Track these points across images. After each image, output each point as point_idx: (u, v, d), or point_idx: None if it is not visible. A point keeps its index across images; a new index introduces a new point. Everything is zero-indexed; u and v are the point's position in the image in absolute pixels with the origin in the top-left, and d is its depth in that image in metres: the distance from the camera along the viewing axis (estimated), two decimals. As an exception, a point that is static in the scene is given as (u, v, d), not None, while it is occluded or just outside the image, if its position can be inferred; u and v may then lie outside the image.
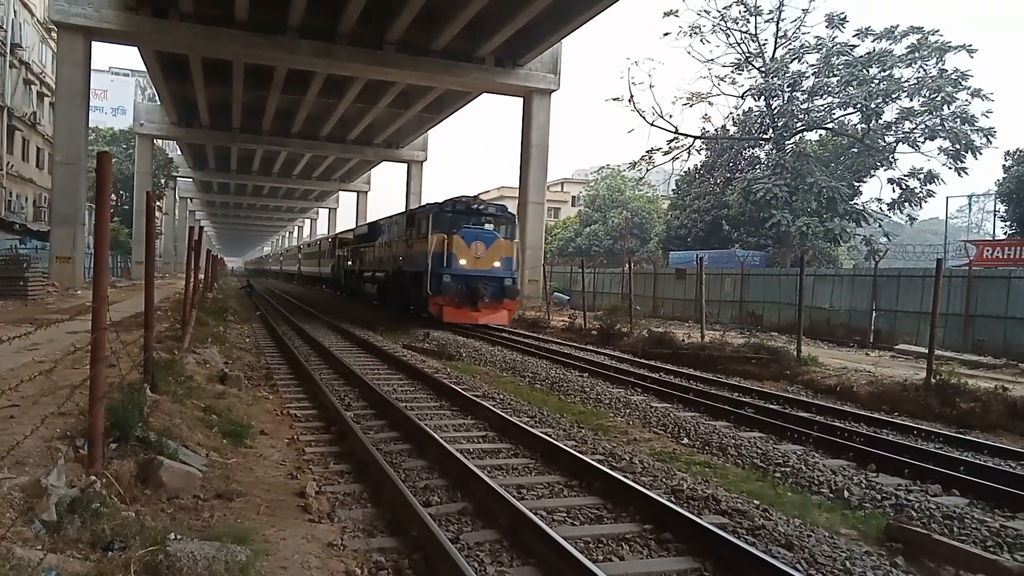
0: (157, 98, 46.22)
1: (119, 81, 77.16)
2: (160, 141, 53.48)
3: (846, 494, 6.07)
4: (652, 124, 37.47)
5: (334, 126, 42.96)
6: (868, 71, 34.33)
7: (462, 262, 19.57)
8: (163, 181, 59.68)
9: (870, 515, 5.61)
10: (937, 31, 33.58)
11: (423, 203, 21.22)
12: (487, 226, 20.58)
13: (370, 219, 42.26)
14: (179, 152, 62.55)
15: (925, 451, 7.64)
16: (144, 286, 7.30)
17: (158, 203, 56.43)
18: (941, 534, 5.08)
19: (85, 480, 4.06)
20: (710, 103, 43.52)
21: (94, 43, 27.06)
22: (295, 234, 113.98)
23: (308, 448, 6.77)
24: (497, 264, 20.08)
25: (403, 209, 43.75)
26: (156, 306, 8.81)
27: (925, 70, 33.71)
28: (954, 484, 6.47)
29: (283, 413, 8.30)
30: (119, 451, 4.83)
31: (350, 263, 32.92)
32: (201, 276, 16.45)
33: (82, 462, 4.43)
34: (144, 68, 36.85)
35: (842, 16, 35.42)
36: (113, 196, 59.52)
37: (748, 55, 37.75)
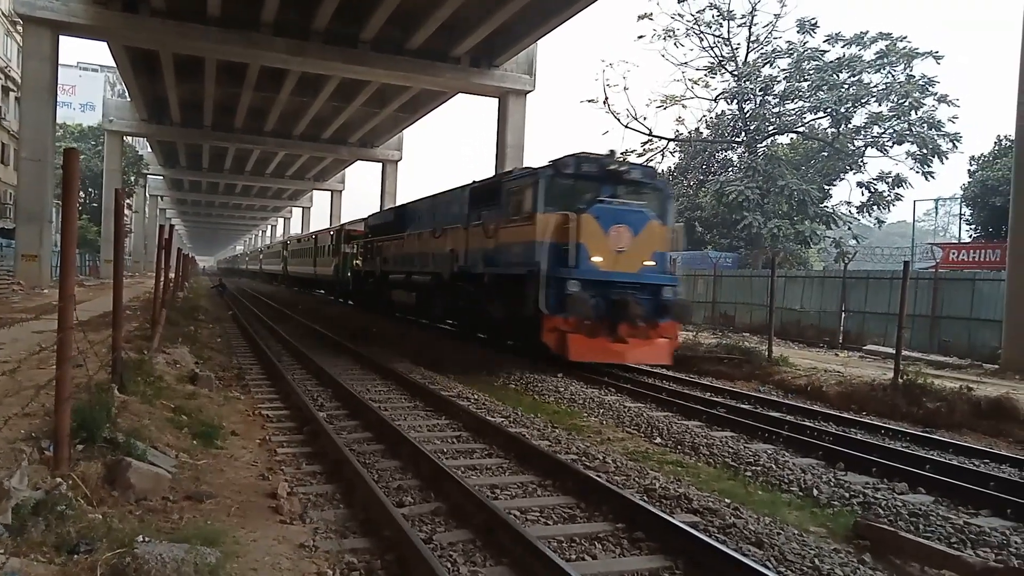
0: (127, 94, 45.49)
1: (88, 76, 75.90)
2: (130, 138, 52.64)
3: (815, 492, 6.16)
4: (627, 126, 37.76)
5: (308, 124, 42.59)
6: (838, 76, 34.86)
7: (596, 260, 12.30)
8: (133, 179, 58.80)
9: (838, 513, 5.70)
10: (905, 37, 34.26)
11: (521, 167, 14.52)
12: (626, 199, 13.07)
13: (362, 213, 37.69)
14: (149, 149, 61.63)
15: (892, 450, 7.77)
16: (113, 285, 7.19)
17: (127, 201, 55.58)
18: (907, 531, 5.17)
19: (50, 482, 3.98)
20: (683, 106, 43.87)
21: (62, 37, 26.53)
22: (268, 233, 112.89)
23: (280, 449, 6.72)
24: (650, 263, 12.74)
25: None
26: (125, 305, 8.68)
27: (893, 76, 34.35)
28: (920, 482, 6.59)
29: (255, 414, 8.22)
30: (86, 452, 4.75)
31: (361, 262, 26.07)
32: (172, 275, 16.22)
33: (47, 464, 4.35)
34: (114, 63, 36.26)
35: (813, 21, 35.96)
36: (81, 193, 58.42)
37: (721, 59, 38.15)
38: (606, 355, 12.24)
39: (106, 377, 6.65)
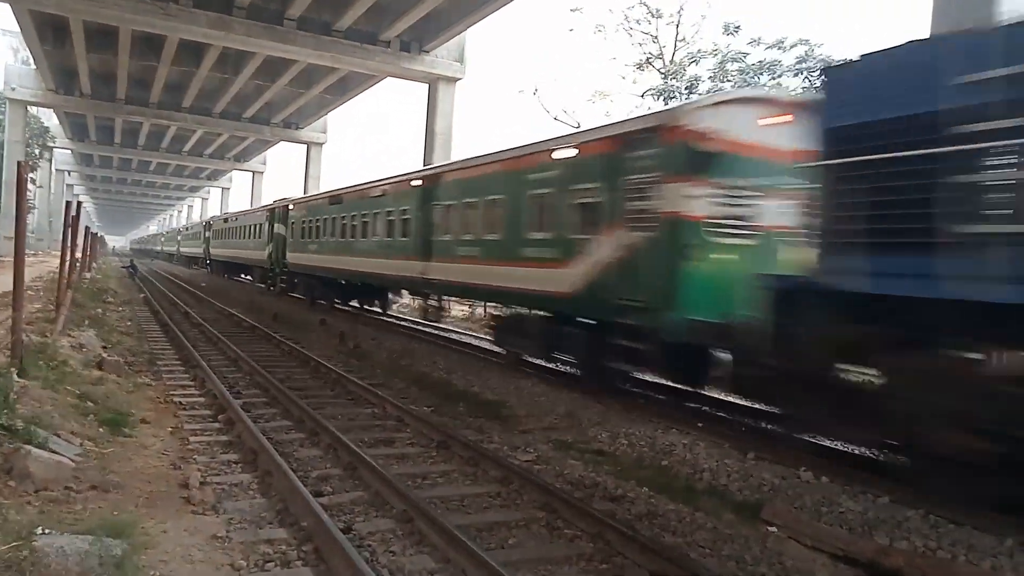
0: (32, 61, 42.86)
1: (-12, 40, 71.14)
2: (35, 108, 49.71)
3: (725, 480, 6.38)
4: (555, 119, 37.92)
5: (229, 102, 41.09)
6: (760, 78, 35.98)
7: None
8: (37, 151, 55.56)
9: (747, 500, 5.91)
10: (822, 45, 35.66)
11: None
12: None
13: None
14: (56, 121, 58.29)
15: (800, 439, 8.10)
16: (13, 263, 6.83)
17: (31, 175, 52.48)
18: (812, 517, 5.41)
19: (-60, 472, 3.76)
20: (611, 101, 44.42)
21: (-42, -3, 24.77)
22: (184, 213, 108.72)
23: (193, 437, 6.51)
24: None
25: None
26: (27, 285, 8.23)
27: (811, 80, 35.70)
28: (825, 471, 6.90)
29: (166, 401, 7.93)
30: (-20, 440, 4.50)
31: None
32: (79, 254, 15.44)
33: (-63, 452, 4.10)
34: (18, 28, 34.08)
35: (736, 25, 37.03)
36: (-21, 165, 55.01)
37: (649, 56, 38.82)
38: None
39: (4, 361, 6.32)
